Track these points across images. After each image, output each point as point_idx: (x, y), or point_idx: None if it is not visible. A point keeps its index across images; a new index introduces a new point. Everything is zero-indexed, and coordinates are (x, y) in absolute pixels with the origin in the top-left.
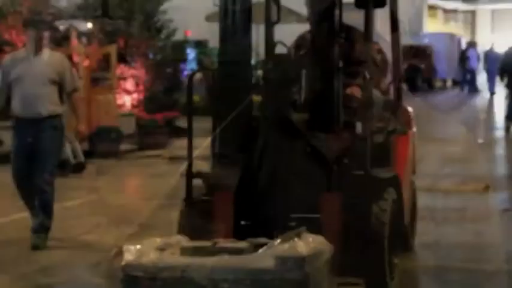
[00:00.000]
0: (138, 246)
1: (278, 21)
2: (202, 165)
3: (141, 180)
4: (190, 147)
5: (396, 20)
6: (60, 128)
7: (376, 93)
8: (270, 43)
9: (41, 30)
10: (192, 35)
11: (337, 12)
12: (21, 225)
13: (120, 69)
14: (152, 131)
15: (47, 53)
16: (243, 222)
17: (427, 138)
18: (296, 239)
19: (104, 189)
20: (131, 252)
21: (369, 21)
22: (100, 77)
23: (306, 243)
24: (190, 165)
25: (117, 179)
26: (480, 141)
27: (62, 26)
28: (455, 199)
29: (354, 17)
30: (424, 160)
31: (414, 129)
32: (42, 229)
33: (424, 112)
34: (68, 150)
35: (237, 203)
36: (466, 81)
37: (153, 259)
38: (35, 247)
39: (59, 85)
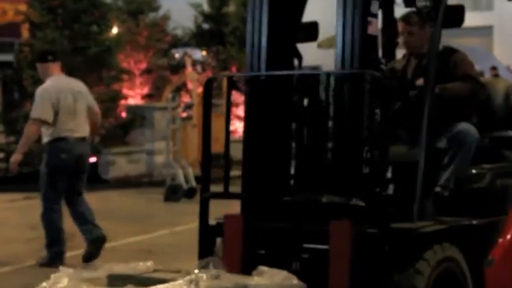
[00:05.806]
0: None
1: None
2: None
3: None
4: (207, 159)
5: None
6: None
7: None
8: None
9: (59, 61)
10: (305, 61)
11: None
12: (133, 248)
13: (233, 96)
14: None
15: (76, 82)
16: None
17: None
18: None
19: (214, 215)
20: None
21: (435, 38)
22: (213, 104)
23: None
24: (207, 185)
25: (227, 204)
26: None
27: (177, 53)
28: None
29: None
30: None
31: None
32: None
33: None
34: (180, 175)
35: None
36: None
37: None
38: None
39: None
